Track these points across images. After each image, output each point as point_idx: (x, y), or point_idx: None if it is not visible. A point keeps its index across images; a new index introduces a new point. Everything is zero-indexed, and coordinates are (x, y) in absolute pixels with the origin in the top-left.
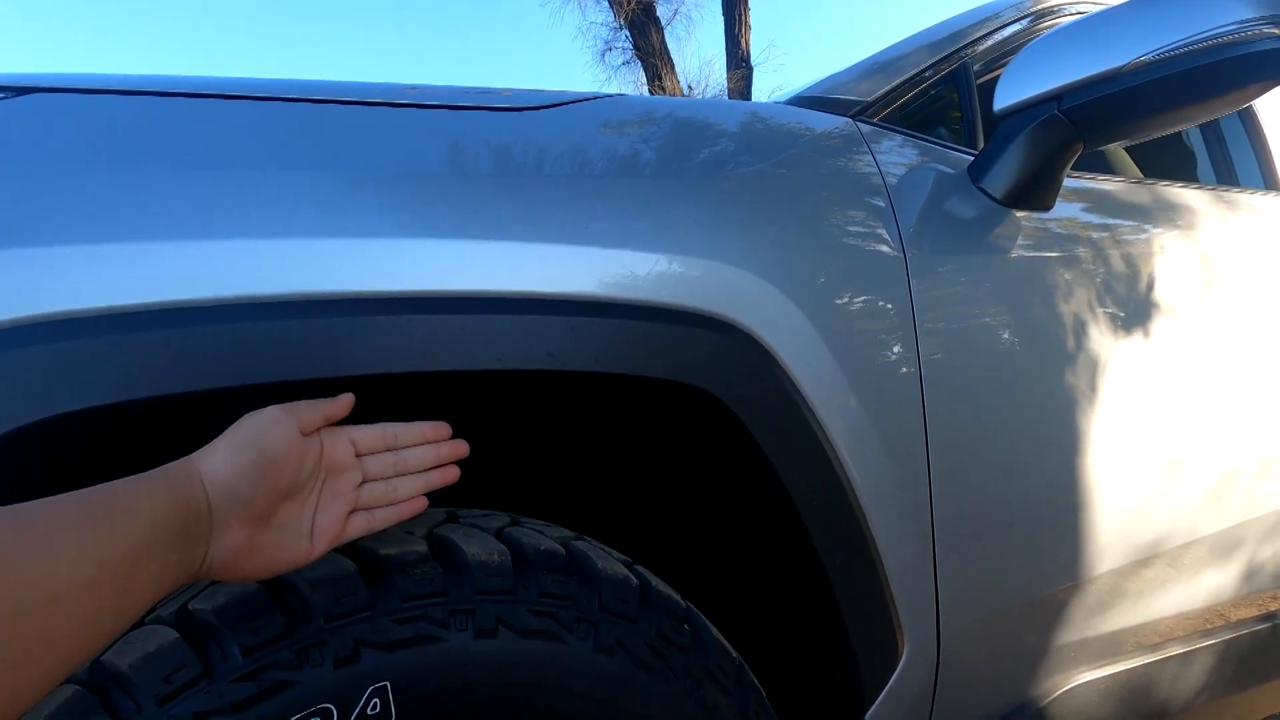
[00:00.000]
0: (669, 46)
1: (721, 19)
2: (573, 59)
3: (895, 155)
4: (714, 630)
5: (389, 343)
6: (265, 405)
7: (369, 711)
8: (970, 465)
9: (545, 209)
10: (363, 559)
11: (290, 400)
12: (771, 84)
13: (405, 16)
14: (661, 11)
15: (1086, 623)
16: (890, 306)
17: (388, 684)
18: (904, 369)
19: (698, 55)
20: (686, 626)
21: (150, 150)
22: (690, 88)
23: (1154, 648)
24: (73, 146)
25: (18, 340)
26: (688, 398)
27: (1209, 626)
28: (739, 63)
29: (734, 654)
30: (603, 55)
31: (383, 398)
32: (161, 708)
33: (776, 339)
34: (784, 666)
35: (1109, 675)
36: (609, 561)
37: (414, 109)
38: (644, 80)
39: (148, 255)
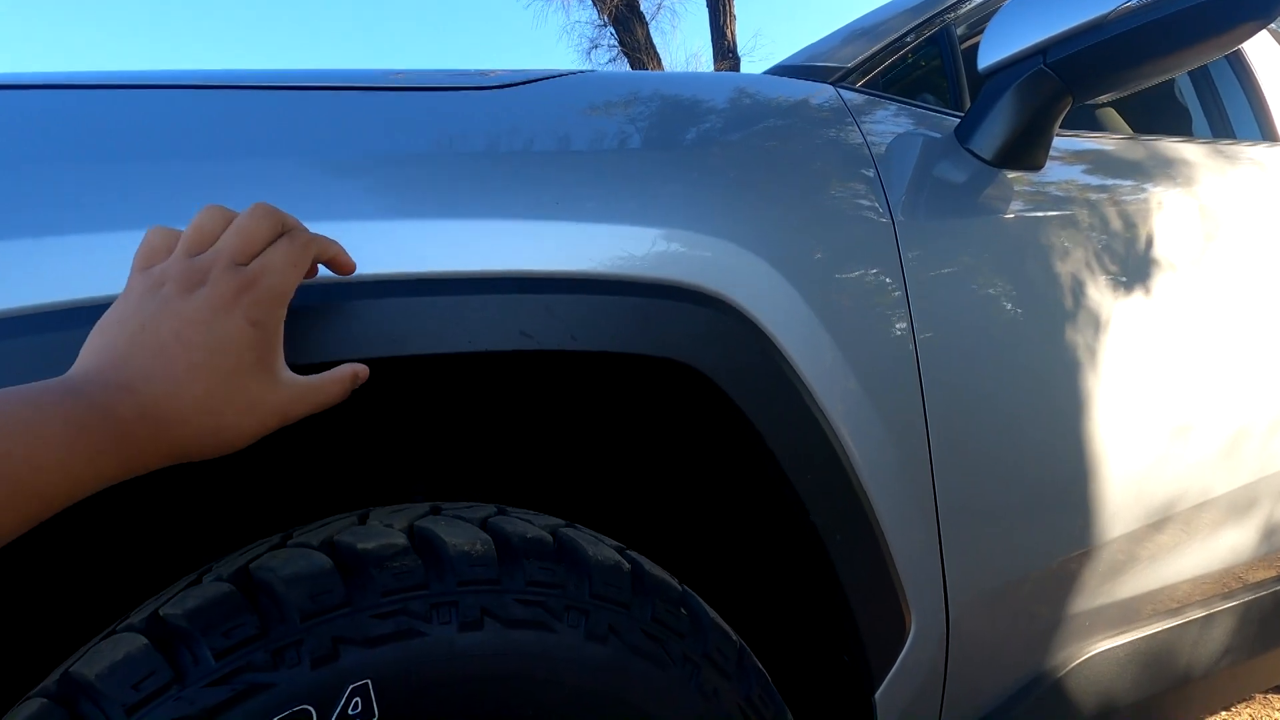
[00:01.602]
0: (654, 41)
1: (706, 11)
2: (559, 60)
3: (879, 121)
4: (712, 613)
5: (357, 328)
6: None
7: (350, 711)
8: (972, 434)
9: (517, 185)
10: (339, 554)
11: None
12: None
13: (386, 29)
14: (645, 6)
15: (1101, 590)
16: (880, 274)
17: (369, 682)
18: (897, 338)
19: (684, 48)
20: (683, 610)
21: (129, 142)
22: None
23: (1172, 613)
24: (58, 142)
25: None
26: (674, 375)
27: (1228, 589)
28: (725, 54)
29: (735, 637)
30: (589, 53)
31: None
32: (131, 717)
33: (762, 311)
34: (789, 648)
35: (1127, 643)
36: (599, 547)
37: (387, 92)
38: None
39: (123, 246)
